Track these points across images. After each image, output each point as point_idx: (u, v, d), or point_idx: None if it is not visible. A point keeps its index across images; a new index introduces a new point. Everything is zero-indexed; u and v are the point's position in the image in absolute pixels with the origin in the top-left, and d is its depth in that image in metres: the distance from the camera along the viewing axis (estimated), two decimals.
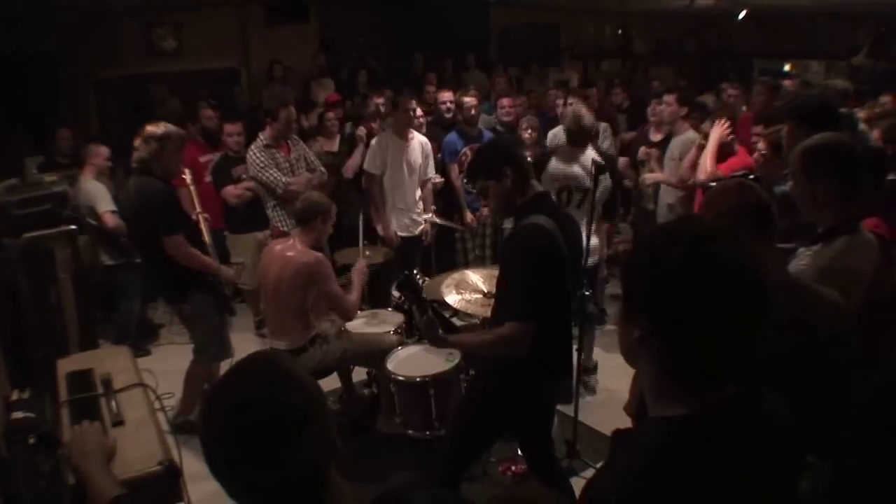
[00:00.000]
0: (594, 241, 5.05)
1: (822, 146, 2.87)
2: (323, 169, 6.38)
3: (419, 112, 6.65)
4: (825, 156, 2.82)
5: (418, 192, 6.48)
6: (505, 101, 7.47)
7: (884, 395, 1.85)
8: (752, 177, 3.43)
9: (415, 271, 3.27)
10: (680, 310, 1.34)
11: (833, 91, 5.89)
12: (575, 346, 4.37)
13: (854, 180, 2.77)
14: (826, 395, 2.11)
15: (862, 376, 2.09)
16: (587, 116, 5.16)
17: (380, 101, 7.85)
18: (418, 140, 6.42)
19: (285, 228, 5.91)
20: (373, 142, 6.38)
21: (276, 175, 5.87)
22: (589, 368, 5.52)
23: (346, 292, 4.67)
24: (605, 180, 4.93)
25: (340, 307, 4.68)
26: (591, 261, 5.04)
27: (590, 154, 5.10)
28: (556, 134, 6.36)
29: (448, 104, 7.10)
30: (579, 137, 5.17)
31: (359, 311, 5.01)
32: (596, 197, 4.67)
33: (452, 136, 6.94)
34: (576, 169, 5.10)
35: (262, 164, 5.87)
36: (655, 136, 6.71)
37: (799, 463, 1.60)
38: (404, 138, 6.28)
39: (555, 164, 5.16)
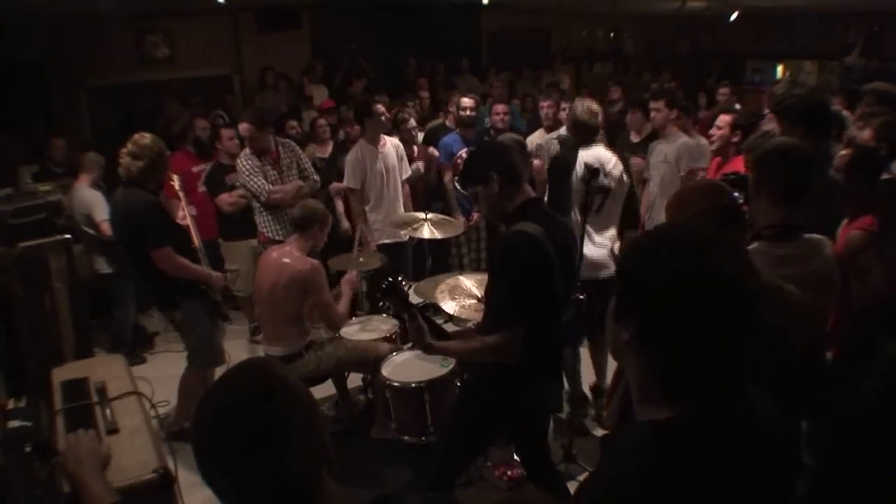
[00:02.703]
0: (602, 251, 4.96)
1: (769, 145, 2.91)
2: (317, 177, 6.38)
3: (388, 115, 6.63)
4: (766, 153, 2.84)
5: (402, 196, 6.47)
6: (499, 108, 7.41)
7: (872, 401, 1.86)
8: (732, 177, 3.39)
9: (399, 277, 3.24)
10: (669, 317, 1.33)
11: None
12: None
13: (787, 182, 2.71)
14: (797, 394, 2.13)
15: (845, 385, 2.09)
16: (596, 110, 5.09)
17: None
18: (391, 144, 6.42)
19: (270, 235, 5.92)
20: (349, 156, 6.32)
21: (260, 182, 5.88)
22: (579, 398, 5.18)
23: (336, 302, 4.69)
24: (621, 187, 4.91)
25: (330, 317, 4.69)
26: (604, 273, 4.89)
27: (600, 150, 4.98)
28: (549, 141, 6.35)
29: (470, 110, 6.90)
30: (588, 130, 5.01)
31: (353, 318, 5.00)
32: (607, 202, 4.61)
33: (451, 138, 6.91)
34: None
35: (248, 172, 5.89)
36: (636, 139, 6.77)
37: (791, 463, 1.59)
38: (376, 145, 6.25)
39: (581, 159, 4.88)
